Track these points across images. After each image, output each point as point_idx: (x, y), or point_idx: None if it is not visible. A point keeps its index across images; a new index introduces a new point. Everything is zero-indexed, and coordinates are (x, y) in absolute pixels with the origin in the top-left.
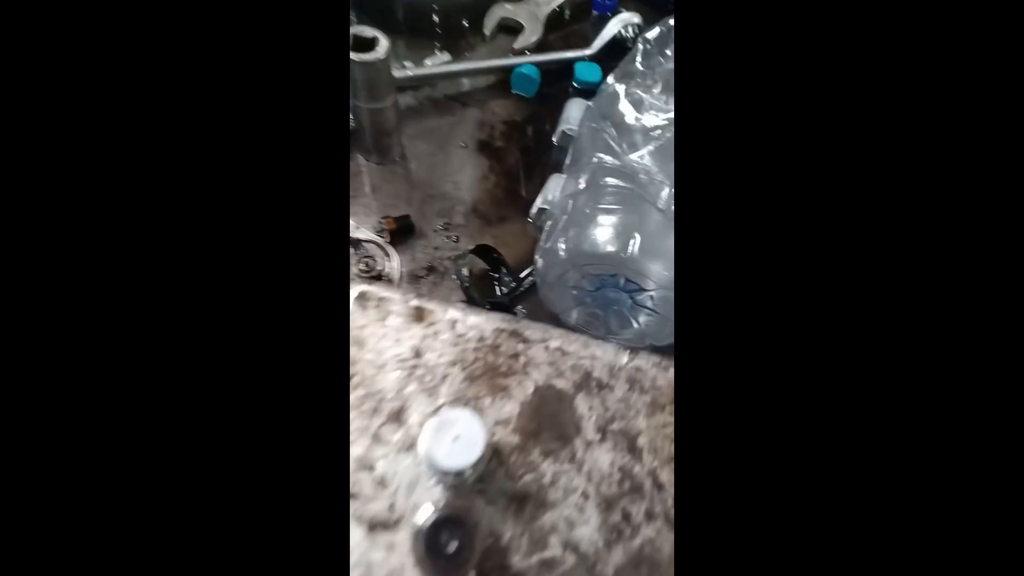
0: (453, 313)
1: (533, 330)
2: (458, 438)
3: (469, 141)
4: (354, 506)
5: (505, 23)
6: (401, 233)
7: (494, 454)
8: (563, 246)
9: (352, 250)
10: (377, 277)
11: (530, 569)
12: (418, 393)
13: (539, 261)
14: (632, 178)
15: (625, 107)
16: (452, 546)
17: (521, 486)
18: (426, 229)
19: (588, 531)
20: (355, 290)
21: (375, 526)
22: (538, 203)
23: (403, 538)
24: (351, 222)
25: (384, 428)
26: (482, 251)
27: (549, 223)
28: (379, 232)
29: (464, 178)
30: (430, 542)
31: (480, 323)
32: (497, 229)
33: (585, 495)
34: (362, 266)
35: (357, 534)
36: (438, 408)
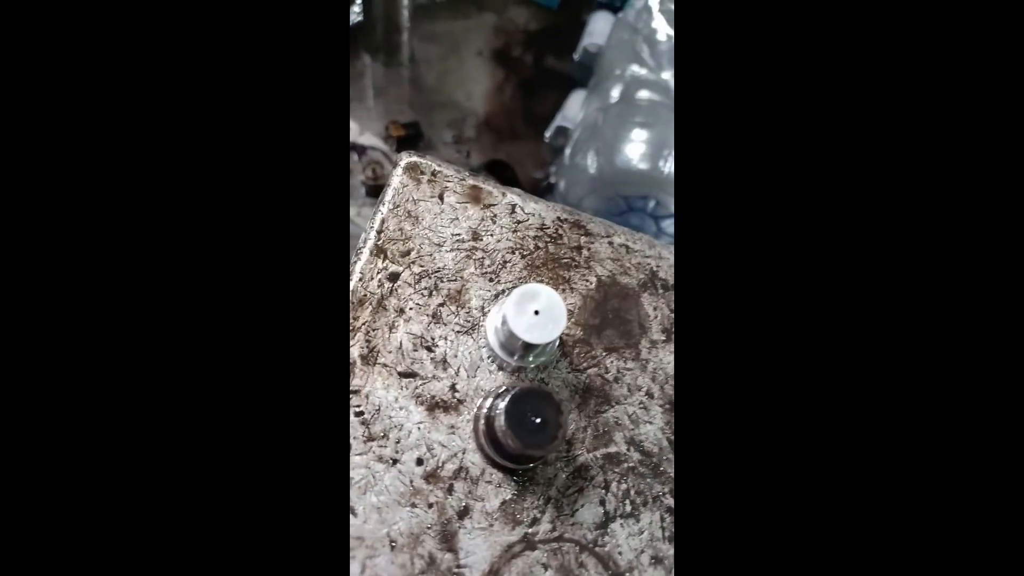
0: (512, 197)
1: (596, 224)
2: (539, 313)
3: (484, 48)
4: (414, 384)
5: None
6: (408, 142)
7: (558, 344)
8: (592, 162)
9: (356, 157)
10: (383, 186)
11: (594, 462)
12: (478, 277)
13: (560, 181)
14: (667, 93)
15: (659, 22)
16: (537, 420)
17: (585, 379)
18: (435, 140)
19: (652, 430)
20: (405, 159)
21: (435, 407)
22: (557, 121)
23: (465, 420)
24: (354, 126)
25: (444, 308)
26: (495, 167)
27: (573, 142)
28: (385, 139)
29: (477, 88)
30: (514, 415)
31: (540, 210)
32: (510, 146)
33: (650, 394)
34: (369, 172)
35: (417, 414)
36: (499, 294)
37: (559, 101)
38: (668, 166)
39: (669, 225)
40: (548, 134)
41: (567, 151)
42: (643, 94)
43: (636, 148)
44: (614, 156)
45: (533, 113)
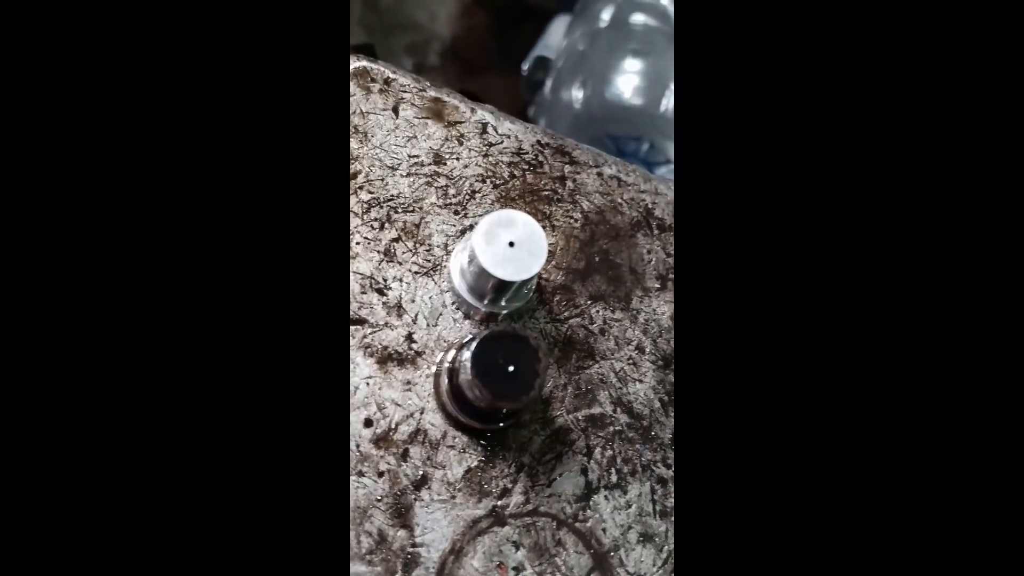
0: (483, 114)
1: (583, 152)
2: (515, 245)
3: None
4: (361, 332)
5: None
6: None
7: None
8: (578, 95)
9: None
10: None
11: (575, 424)
12: (440, 208)
13: (540, 119)
14: (666, 18)
15: None
16: (511, 368)
17: (566, 330)
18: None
19: (643, 389)
20: (354, 63)
21: (388, 359)
22: (536, 50)
23: (424, 376)
24: None
25: (398, 244)
26: None
27: (555, 73)
28: None
29: (442, 9)
30: (483, 361)
31: (517, 132)
32: (481, 79)
33: (640, 349)
34: None
35: (365, 367)
36: (465, 230)
37: (539, 30)
38: (666, 103)
39: (666, 173)
40: (526, 66)
41: (548, 84)
42: (638, 18)
43: (629, 80)
44: (603, 88)
45: (509, 41)
